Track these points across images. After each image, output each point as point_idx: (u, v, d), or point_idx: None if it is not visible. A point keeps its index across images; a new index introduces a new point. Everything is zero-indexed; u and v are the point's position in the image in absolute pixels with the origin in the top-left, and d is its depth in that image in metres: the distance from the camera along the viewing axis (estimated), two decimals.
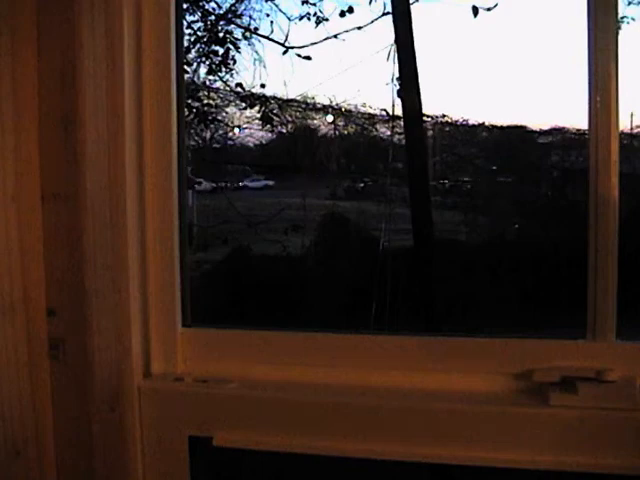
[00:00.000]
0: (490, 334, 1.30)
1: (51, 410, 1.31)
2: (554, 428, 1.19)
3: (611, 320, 1.23)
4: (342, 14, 2.95)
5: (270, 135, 3.49)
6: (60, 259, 1.29)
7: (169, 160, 1.35)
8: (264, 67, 3.26)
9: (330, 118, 3.26)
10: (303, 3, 3.06)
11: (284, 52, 3.10)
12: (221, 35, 3.28)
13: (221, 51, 3.29)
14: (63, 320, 1.30)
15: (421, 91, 2.38)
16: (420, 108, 2.47)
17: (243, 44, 3.29)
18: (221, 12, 3.30)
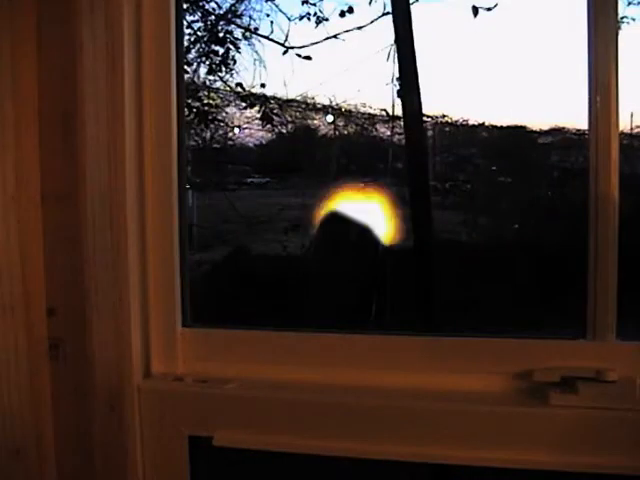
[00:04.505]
0: (490, 334, 1.30)
1: (51, 410, 1.31)
2: (554, 428, 1.19)
3: (611, 320, 1.23)
4: (342, 14, 2.95)
5: (270, 135, 3.49)
6: (60, 259, 1.29)
7: (169, 160, 1.35)
8: (264, 67, 3.26)
9: (330, 118, 3.26)
10: (303, 3, 3.06)
11: (284, 52, 3.10)
12: (221, 35, 3.28)
13: (221, 51, 3.29)
14: (63, 320, 1.30)
15: (421, 91, 2.38)
16: (420, 108, 2.47)
17: (243, 44, 3.29)
18: (221, 12, 3.31)
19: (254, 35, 3.25)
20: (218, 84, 3.30)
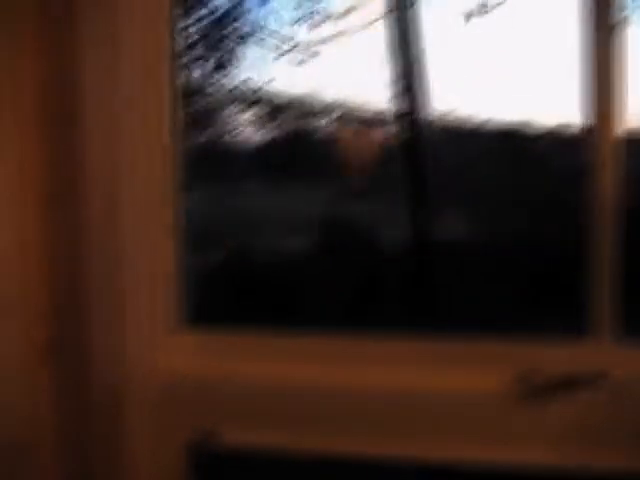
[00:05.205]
0: (490, 334, 1.30)
1: (51, 410, 1.31)
2: (554, 428, 1.19)
3: (611, 320, 1.23)
4: (343, 14, 2.95)
5: (269, 136, 3.50)
6: (60, 259, 1.30)
7: (169, 160, 1.35)
8: (265, 67, 3.26)
9: (331, 118, 3.26)
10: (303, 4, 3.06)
11: (285, 53, 3.11)
12: (220, 36, 3.28)
13: (220, 52, 3.30)
14: (63, 320, 1.30)
15: (421, 91, 2.39)
16: (420, 108, 2.48)
17: (243, 45, 3.30)
18: (221, 13, 3.31)
19: (255, 36, 3.26)
20: (217, 85, 3.31)
